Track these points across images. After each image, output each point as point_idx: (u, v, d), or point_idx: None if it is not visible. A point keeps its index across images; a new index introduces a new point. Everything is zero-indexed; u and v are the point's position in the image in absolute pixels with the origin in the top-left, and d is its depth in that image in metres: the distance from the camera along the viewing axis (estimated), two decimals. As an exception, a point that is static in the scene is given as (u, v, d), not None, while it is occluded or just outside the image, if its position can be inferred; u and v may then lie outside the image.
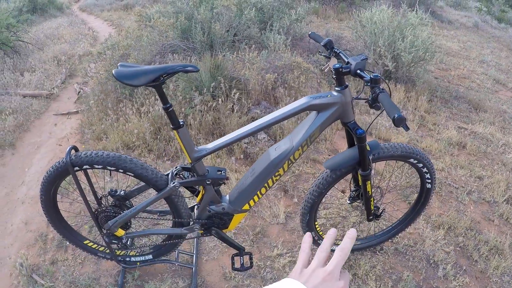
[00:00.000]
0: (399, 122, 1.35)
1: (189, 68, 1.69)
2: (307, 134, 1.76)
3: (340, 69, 1.66)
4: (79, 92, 5.86)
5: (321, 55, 2.04)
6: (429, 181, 2.29)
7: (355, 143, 1.87)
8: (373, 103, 1.56)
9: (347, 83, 1.74)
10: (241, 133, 1.76)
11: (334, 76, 1.70)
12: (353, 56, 1.72)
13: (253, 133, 1.75)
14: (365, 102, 1.67)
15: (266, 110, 3.90)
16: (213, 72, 4.03)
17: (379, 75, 1.59)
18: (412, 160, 2.09)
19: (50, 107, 5.50)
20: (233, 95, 3.74)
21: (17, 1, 13.60)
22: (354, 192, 2.24)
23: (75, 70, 6.96)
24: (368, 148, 1.87)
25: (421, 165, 2.16)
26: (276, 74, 4.19)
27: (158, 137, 3.80)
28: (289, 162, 1.82)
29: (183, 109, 3.78)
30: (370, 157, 1.90)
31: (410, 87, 5.54)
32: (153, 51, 4.71)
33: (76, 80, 6.52)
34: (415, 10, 5.62)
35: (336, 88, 1.73)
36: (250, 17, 5.37)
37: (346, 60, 1.75)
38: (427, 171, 2.22)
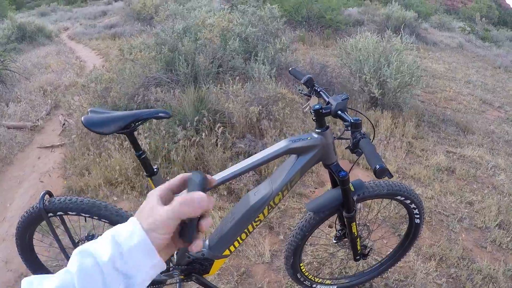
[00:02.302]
0: (380, 173, 1.27)
1: (160, 115, 1.65)
2: (287, 179, 1.69)
3: (320, 110, 1.61)
4: (64, 124, 5.79)
5: (301, 93, 1.99)
6: (418, 216, 2.24)
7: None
8: (354, 148, 1.49)
9: (328, 125, 1.68)
10: (219, 179, 1.71)
11: (314, 118, 1.64)
12: (334, 95, 1.67)
13: (230, 180, 1.69)
14: (345, 148, 1.60)
15: (251, 143, 3.85)
16: (196, 106, 4.01)
17: (359, 118, 1.52)
18: (399, 197, 2.04)
19: (34, 139, 5.42)
20: (217, 129, 3.70)
21: (6, 29, 13.60)
22: (340, 231, 2.18)
23: (60, 101, 6.91)
24: (352, 188, 1.82)
25: (408, 201, 2.10)
26: (261, 106, 4.16)
27: (141, 173, 3.73)
28: (269, 207, 1.75)
29: (166, 144, 3.73)
30: (355, 198, 1.85)
31: (397, 113, 5.54)
32: (136, 84, 4.68)
33: (61, 112, 6.46)
34: (400, 35, 5.66)
35: (317, 130, 1.66)
36: (234, 48, 5.38)
37: (327, 100, 1.71)
38: (415, 207, 2.16)
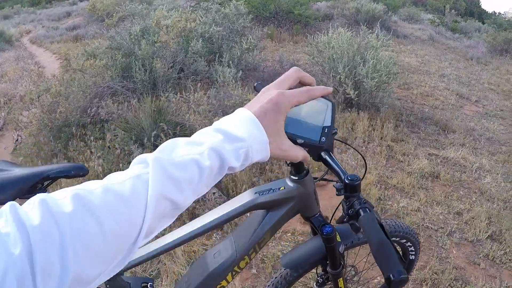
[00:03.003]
0: (396, 286, 0.75)
1: (73, 173, 1.26)
2: (254, 240, 1.28)
3: None
4: (17, 140, 5.28)
5: None
6: (413, 253, 1.91)
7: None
8: (349, 220, 1.03)
9: (307, 168, 1.25)
10: (176, 240, 1.30)
11: (288, 163, 1.22)
12: None
13: (190, 240, 1.29)
14: (337, 222, 1.17)
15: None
16: (155, 118, 3.60)
17: (357, 176, 1.01)
18: (393, 239, 1.70)
19: (-17, 159, 4.89)
20: None
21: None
22: (322, 277, 1.81)
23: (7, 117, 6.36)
24: (338, 238, 1.42)
25: (404, 240, 1.77)
26: (227, 115, 3.79)
27: None
28: (234, 272, 1.34)
29: (121, 165, 3.31)
30: (342, 249, 1.45)
31: (374, 114, 5.25)
32: (88, 95, 4.23)
33: (14, 126, 5.92)
34: (376, 31, 5.35)
35: (292, 177, 1.24)
36: (197, 50, 4.96)
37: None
38: (411, 244, 1.83)
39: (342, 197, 1.07)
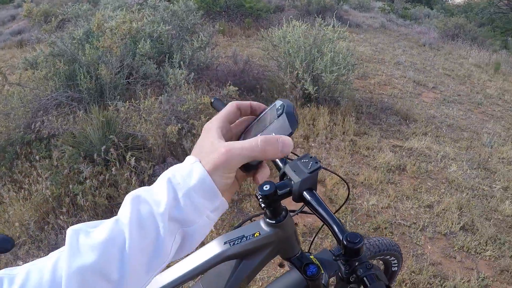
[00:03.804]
0: None
1: None
2: None
3: (273, 193, 0.93)
4: None
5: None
6: (396, 265, 1.81)
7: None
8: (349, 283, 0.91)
9: (284, 207, 1.05)
10: None
11: (263, 206, 0.99)
12: (294, 159, 1.02)
13: None
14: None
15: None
16: (104, 130, 3.35)
17: (359, 235, 0.86)
18: (377, 257, 1.59)
19: None
20: (129, 159, 3.06)
21: None
22: None
23: None
24: (321, 270, 1.26)
25: (388, 256, 1.66)
26: (181, 121, 3.60)
27: (46, 227, 3.01)
28: None
29: (70, 186, 3.04)
30: (326, 281, 1.28)
31: (334, 108, 5.17)
32: (28, 111, 3.91)
33: None
34: (331, 23, 5.26)
35: (269, 221, 1.04)
36: (145, 51, 4.70)
37: (281, 169, 1.04)
38: (394, 258, 1.72)
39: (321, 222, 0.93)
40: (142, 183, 3.20)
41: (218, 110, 1.40)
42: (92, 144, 3.32)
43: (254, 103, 0.71)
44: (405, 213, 3.54)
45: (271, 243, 1.06)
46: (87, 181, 3.01)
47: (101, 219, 2.99)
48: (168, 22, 5.33)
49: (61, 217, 2.93)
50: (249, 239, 1.05)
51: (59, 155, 3.28)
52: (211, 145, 0.60)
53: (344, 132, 4.82)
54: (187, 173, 0.58)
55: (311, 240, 1.46)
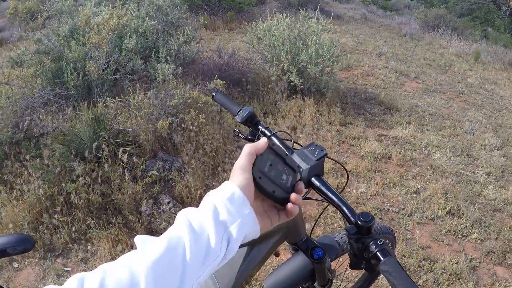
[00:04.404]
0: None
1: (17, 249, 1.15)
2: (241, 278, 1.18)
3: None
4: None
5: (238, 136, 1.41)
6: (390, 247, 1.90)
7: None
8: (362, 263, 0.99)
9: None
10: None
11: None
12: (300, 148, 1.11)
13: None
14: (349, 267, 1.06)
15: (165, 163, 3.33)
16: (94, 127, 3.37)
17: (370, 214, 0.96)
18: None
19: None
20: (121, 155, 3.09)
21: None
22: None
23: None
24: (326, 254, 1.34)
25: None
26: (170, 116, 3.65)
27: (40, 227, 3.03)
28: None
29: (63, 184, 3.06)
30: (329, 264, 1.36)
31: (319, 99, 5.27)
32: (16, 110, 3.90)
33: None
34: (315, 15, 5.34)
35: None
36: (131, 47, 4.72)
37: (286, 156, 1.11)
38: (389, 242, 1.83)
39: (324, 206, 1.02)
40: (135, 179, 3.24)
41: (226, 109, 1.46)
42: (82, 142, 3.34)
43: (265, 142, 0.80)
44: (393, 199, 3.66)
45: (280, 229, 1.14)
46: (80, 178, 3.03)
47: (96, 216, 3.03)
48: (153, 17, 5.35)
49: (55, 216, 2.94)
50: None
51: (49, 153, 3.28)
52: (240, 168, 0.74)
53: (330, 123, 4.92)
54: (223, 189, 0.71)
55: (312, 225, 1.54)
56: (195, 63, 5.70)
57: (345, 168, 1.26)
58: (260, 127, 1.34)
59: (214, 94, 1.51)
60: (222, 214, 0.68)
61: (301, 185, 0.80)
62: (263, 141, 0.78)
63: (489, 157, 4.80)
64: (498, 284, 3.02)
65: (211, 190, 0.73)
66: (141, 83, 4.30)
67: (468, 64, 9.50)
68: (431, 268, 2.98)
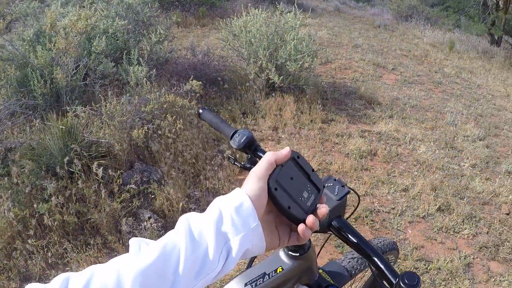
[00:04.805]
0: None
1: None
2: None
3: None
4: None
5: (234, 164, 1.19)
6: (393, 260, 1.80)
7: None
8: None
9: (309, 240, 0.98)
10: None
11: None
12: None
13: None
14: None
15: (144, 174, 3.15)
16: (65, 139, 3.16)
17: (416, 275, 0.77)
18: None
19: None
20: (96, 169, 2.88)
21: None
22: None
23: None
24: (331, 281, 1.20)
25: (388, 255, 1.65)
26: (146, 122, 3.47)
27: (14, 253, 2.80)
28: None
29: (35, 205, 2.83)
30: None
31: (299, 96, 5.15)
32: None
33: None
34: (293, 10, 5.20)
35: (292, 253, 0.96)
36: (101, 49, 4.50)
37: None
38: (393, 256, 1.72)
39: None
40: (111, 194, 3.03)
41: (210, 125, 1.28)
42: (53, 156, 3.12)
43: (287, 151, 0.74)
44: (383, 199, 3.58)
45: (294, 276, 1.00)
46: (53, 198, 2.79)
47: (72, 238, 2.83)
48: (123, 16, 5.13)
49: (29, 241, 2.70)
50: (271, 276, 0.97)
51: (18, 171, 3.03)
52: (255, 178, 0.68)
53: (312, 121, 4.81)
54: (232, 196, 0.66)
55: (317, 252, 1.41)
56: (168, 63, 5.52)
57: (357, 194, 1.12)
58: (259, 153, 1.13)
59: (200, 111, 1.30)
60: (226, 224, 0.64)
61: (324, 209, 0.72)
62: (286, 150, 0.72)
63: (473, 148, 4.77)
64: (493, 279, 2.98)
65: (220, 196, 0.69)
66: (113, 88, 4.09)
67: (443, 53, 9.55)
68: (427, 269, 2.91)
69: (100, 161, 3.07)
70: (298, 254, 0.96)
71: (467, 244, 3.25)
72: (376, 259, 0.83)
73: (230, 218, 0.63)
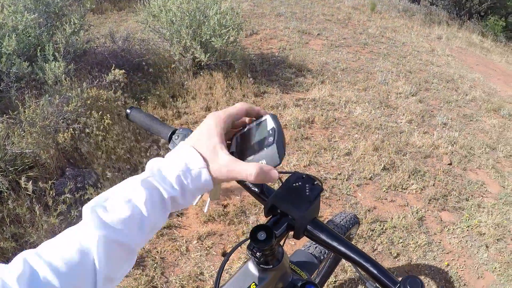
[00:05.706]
0: None
1: None
2: None
3: (272, 239, 0.75)
4: None
5: None
6: (354, 232, 1.75)
7: None
8: None
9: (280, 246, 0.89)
10: None
11: (258, 254, 0.81)
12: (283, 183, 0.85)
13: None
14: None
15: (77, 179, 2.90)
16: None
17: (420, 280, 0.66)
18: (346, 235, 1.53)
19: None
20: (25, 184, 2.58)
21: None
22: None
23: None
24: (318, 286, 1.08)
25: (352, 229, 1.61)
26: (71, 122, 3.21)
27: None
28: None
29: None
30: None
31: (228, 72, 4.99)
32: None
33: None
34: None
35: (264, 266, 0.85)
36: (12, 49, 4.09)
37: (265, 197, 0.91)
38: (355, 230, 1.67)
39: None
40: (47, 208, 2.75)
41: (141, 126, 1.12)
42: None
43: (259, 110, 0.74)
44: (328, 166, 3.54)
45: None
46: None
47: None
48: (32, 9, 4.71)
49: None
50: None
51: None
52: (213, 149, 0.65)
53: (244, 95, 4.68)
54: (196, 175, 0.64)
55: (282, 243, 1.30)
56: (87, 54, 5.17)
57: (320, 182, 0.99)
58: None
59: (128, 112, 1.13)
60: (185, 199, 0.65)
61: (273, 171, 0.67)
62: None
63: (407, 104, 4.86)
64: (447, 229, 3.07)
65: (183, 163, 0.66)
66: (30, 90, 3.75)
67: (365, 15, 9.68)
68: (383, 229, 2.93)
69: (28, 174, 2.79)
70: (271, 266, 0.85)
71: (416, 198, 3.30)
72: (368, 266, 0.71)
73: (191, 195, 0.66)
